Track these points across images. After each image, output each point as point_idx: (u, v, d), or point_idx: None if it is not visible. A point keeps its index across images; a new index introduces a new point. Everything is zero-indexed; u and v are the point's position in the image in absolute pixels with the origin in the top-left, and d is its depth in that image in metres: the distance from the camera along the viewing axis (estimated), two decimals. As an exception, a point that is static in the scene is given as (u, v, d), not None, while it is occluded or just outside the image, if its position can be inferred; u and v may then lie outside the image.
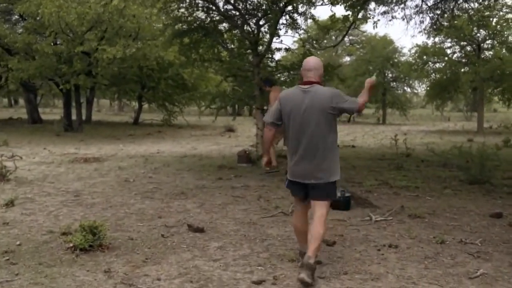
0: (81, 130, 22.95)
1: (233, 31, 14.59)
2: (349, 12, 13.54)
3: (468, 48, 34.19)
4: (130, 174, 10.74)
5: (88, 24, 19.25)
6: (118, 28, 20.11)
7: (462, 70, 33.83)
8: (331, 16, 14.04)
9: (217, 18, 14.21)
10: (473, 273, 4.84)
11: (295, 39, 23.91)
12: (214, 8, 13.83)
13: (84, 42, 19.33)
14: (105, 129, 26.08)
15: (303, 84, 4.79)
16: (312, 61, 4.87)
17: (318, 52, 21.55)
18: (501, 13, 30.51)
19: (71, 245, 5.32)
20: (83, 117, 26.94)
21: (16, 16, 26.15)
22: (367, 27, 55.35)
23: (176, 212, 7.25)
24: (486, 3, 17.69)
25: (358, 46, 49.27)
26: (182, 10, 13.87)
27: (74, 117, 24.03)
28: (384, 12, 15.31)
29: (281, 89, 11.39)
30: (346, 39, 47.31)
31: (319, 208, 4.78)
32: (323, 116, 4.66)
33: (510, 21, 30.77)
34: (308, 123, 4.68)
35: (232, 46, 15.00)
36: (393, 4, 14.94)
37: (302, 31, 15.75)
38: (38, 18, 19.12)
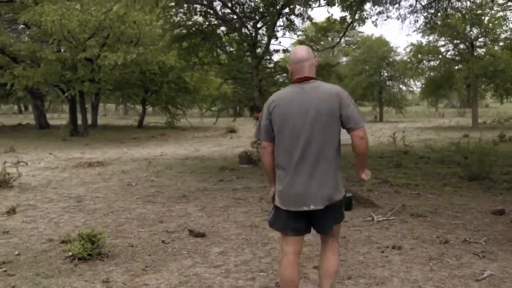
0: (86, 135, 22.72)
1: (231, 34, 14.42)
2: (346, 14, 13.31)
3: (462, 46, 34.02)
4: (132, 178, 10.47)
5: (90, 31, 19.09)
6: (119, 34, 19.93)
7: (456, 67, 33.74)
8: (328, 18, 13.81)
9: (215, 22, 14.03)
10: (479, 275, 4.56)
11: (293, 40, 23.72)
12: (212, 12, 13.64)
13: (87, 49, 19.09)
14: (110, 133, 25.83)
15: (297, 82, 3.58)
16: (303, 50, 3.64)
17: (316, 53, 21.29)
18: (492, 11, 30.37)
19: (70, 254, 5.05)
20: (89, 122, 26.80)
21: (22, 25, 25.95)
22: (364, 28, 55.23)
23: (177, 216, 6.96)
24: (478, 1, 17.46)
25: (354, 47, 49.03)
26: (181, 15, 13.66)
27: (80, 122, 23.80)
28: (380, 12, 15.09)
29: None
30: (342, 40, 47.23)
31: (334, 239, 3.71)
32: (331, 119, 3.49)
33: (501, 19, 30.71)
34: (312, 130, 3.45)
35: (231, 49, 14.84)
36: (388, 4, 14.69)
37: (300, 32, 15.53)
38: (41, 27, 18.88)
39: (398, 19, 15.76)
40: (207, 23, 13.94)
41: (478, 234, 5.85)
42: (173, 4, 12.09)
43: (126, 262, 5.01)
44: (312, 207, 3.41)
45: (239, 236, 5.90)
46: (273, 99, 3.63)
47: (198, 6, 13.46)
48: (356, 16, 13.88)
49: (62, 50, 21.06)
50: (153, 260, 5.09)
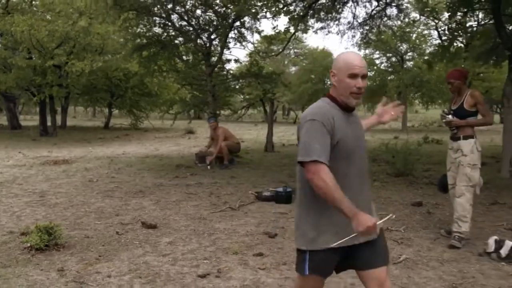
0: (55, 135, 22.04)
1: (188, 45, 14.25)
2: (290, 25, 13.40)
3: (393, 59, 34.92)
4: (94, 174, 10.16)
5: (57, 41, 18.62)
6: (85, 44, 19.43)
7: (389, 77, 34.65)
8: (273, 28, 13.88)
9: (173, 33, 13.84)
10: (396, 259, 4.63)
11: (247, 50, 23.80)
12: (169, 24, 13.47)
13: (55, 57, 18.55)
14: (78, 133, 25.14)
15: None
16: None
17: (266, 62, 21.35)
18: (419, 29, 31.31)
19: (28, 245, 4.86)
20: (59, 123, 26.06)
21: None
22: (310, 41, 55.65)
23: (133, 209, 6.79)
24: (406, 21, 17.86)
25: (302, 58, 49.43)
26: (141, 26, 13.42)
27: (50, 123, 23.10)
28: (322, 28, 15.22)
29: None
30: (291, 51, 47.56)
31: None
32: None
33: (426, 36, 31.77)
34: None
35: (187, 57, 14.67)
36: (329, 21, 14.83)
37: (250, 44, 15.57)
38: (12, 35, 18.28)
39: (338, 34, 15.95)
40: (165, 34, 13.74)
41: (399, 223, 5.94)
42: (133, 16, 11.85)
43: (81, 252, 4.85)
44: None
45: (188, 227, 5.80)
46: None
47: (157, 18, 13.27)
48: (299, 27, 13.96)
49: (32, 57, 20.41)
50: (106, 250, 4.94)
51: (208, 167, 11.04)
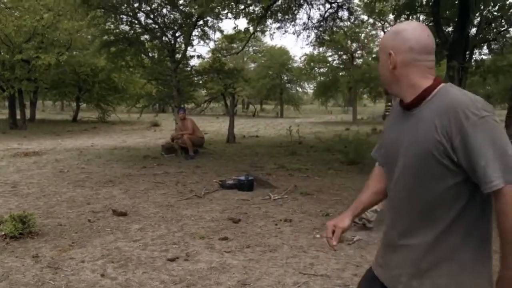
0: (25, 128, 21.30)
1: (154, 42, 14.06)
2: (250, 25, 13.40)
3: (344, 56, 35.43)
4: (65, 165, 9.90)
5: (25, 36, 17.94)
6: (52, 40, 18.81)
7: (340, 74, 35.17)
8: (234, 28, 13.89)
9: (139, 30, 13.62)
10: (351, 240, 4.73)
11: (209, 47, 23.69)
12: (136, 22, 13.24)
13: (23, 51, 17.89)
14: (47, 126, 24.37)
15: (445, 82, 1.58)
16: (431, 34, 1.60)
17: (226, 58, 21.26)
18: (367, 30, 31.90)
19: (2, 233, 4.71)
20: (28, 116, 25.25)
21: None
22: (266, 40, 55.76)
23: (103, 198, 6.67)
24: (356, 22, 18.15)
25: (260, 55, 49.45)
26: (109, 23, 13.13)
27: (19, 116, 22.31)
28: (279, 27, 15.30)
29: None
30: (251, 49, 47.50)
31: None
32: None
33: (374, 36, 32.47)
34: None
35: (153, 54, 14.47)
36: (286, 21, 14.91)
37: (212, 41, 15.51)
38: (-20, 30, 17.53)
39: (294, 33, 16.10)
40: (132, 31, 13.51)
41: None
42: (101, 14, 11.59)
43: (54, 239, 4.74)
44: None
45: (157, 214, 5.75)
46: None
47: (124, 16, 13.02)
48: (258, 28, 13.99)
49: (0, 52, 19.63)
50: (79, 236, 4.85)
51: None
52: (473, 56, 11.99)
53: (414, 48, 1.56)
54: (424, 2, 12.24)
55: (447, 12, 11.68)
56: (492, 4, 10.83)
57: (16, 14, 18.30)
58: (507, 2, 10.50)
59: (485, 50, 13.49)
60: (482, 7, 11.08)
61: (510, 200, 1.38)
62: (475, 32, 11.17)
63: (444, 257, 1.53)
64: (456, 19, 10.21)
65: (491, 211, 1.52)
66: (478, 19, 11.42)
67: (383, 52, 1.64)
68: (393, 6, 13.15)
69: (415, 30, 1.57)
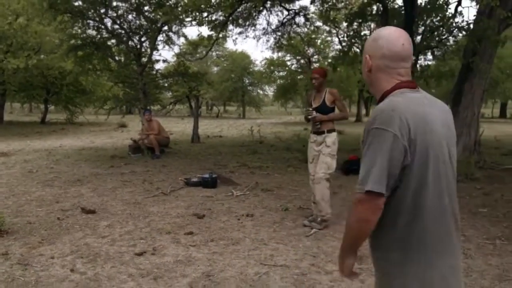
0: (-8, 129, 20.57)
1: (120, 46, 13.85)
2: (213, 32, 13.38)
3: (302, 61, 35.82)
4: (34, 166, 9.61)
5: (-6, 39, 17.31)
6: (22, 43, 18.21)
7: (299, 77, 35.50)
8: (198, 35, 13.84)
9: (106, 35, 13.38)
10: (308, 232, 4.84)
11: (174, 52, 23.48)
12: (103, 27, 13.00)
13: (-9, 55, 17.29)
14: (15, 128, 23.53)
15: (408, 87, 1.62)
16: (407, 40, 1.63)
17: (191, 62, 21.15)
18: (323, 36, 32.38)
19: (-28, 233, 4.58)
20: (-4, 118, 24.34)
21: None
22: (229, 45, 55.69)
23: (72, 197, 6.54)
24: (312, 28, 18.41)
25: (223, 59, 49.35)
26: (76, 28, 12.84)
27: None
28: (240, 32, 15.37)
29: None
30: (214, 53, 47.33)
31: None
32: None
33: (329, 42, 32.99)
34: (451, 171, 1.60)
35: (120, 58, 14.24)
36: (246, 26, 14.99)
37: (176, 46, 15.43)
38: None
39: (254, 38, 16.22)
40: (99, 36, 13.26)
41: (309, 202, 6.16)
42: (68, 19, 11.31)
43: (24, 237, 4.64)
44: None
45: (124, 211, 5.70)
46: (406, 115, 1.49)
47: (91, 21, 12.75)
48: (220, 35, 14.00)
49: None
50: (49, 234, 4.76)
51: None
52: (418, 61, 12.34)
53: (386, 56, 1.62)
54: (374, 12, 12.54)
55: (395, 20, 12.01)
56: (433, 15, 11.22)
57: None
58: (447, 14, 10.91)
59: (429, 56, 13.94)
60: (425, 17, 11.46)
61: (354, 202, 1.51)
62: (420, 39, 11.54)
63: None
64: (403, 27, 10.53)
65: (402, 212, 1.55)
66: (423, 28, 11.80)
67: (364, 55, 1.71)
68: (346, 15, 13.41)
69: (389, 38, 1.62)
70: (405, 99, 1.55)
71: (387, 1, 11.43)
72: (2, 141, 15.71)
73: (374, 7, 12.48)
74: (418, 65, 12.06)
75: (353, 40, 12.78)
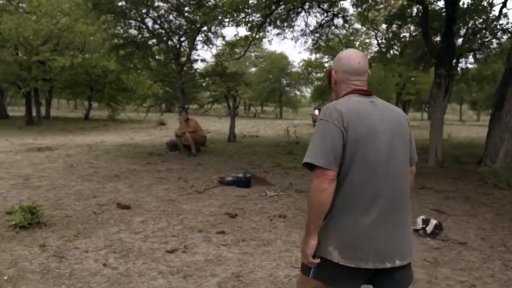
0: (40, 125, 21.26)
1: (160, 46, 14.04)
2: (249, 33, 13.34)
3: (340, 62, 35.30)
4: (75, 160, 9.84)
5: (42, 39, 17.85)
6: (68, 42, 18.76)
7: (336, 79, 34.99)
8: (235, 35, 13.86)
9: (147, 35, 13.57)
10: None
11: (211, 52, 23.71)
12: (144, 27, 13.21)
13: (40, 53, 17.83)
14: (60, 123, 24.30)
15: (360, 93, 2.07)
16: (363, 59, 2.11)
17: (229, 62, 21.23)
18: (361, 38, 31.87)
19: (13, 223, 4.68)
20: (43, 114, 25.24)
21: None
22: (266, 45, 55.67)
23: (109, 192, 6.62)
24: (350, 30, 18.10)
25: (261, 60, 49.40)
26: (118, 28, 13.09)
27: (35, 113, 22.28)
28: (278, 34, 15.24)
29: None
30: (252, 54, 47.45)
31: None
32: (406, 146, 2.08)
33: (367, 44, 32.43)
34: (393, 158, 1.99)
35: (159, 57, 14.44)
36: (285, 28, 14.85)
37: (215, 46, 15.55)
38: (1, 33, 17.45)
39: (292, 39, 16.06)
40: (140, 35, 13.49)
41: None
42: (111, 19, 11.54)
43: (61, 230, 4.70)
44: (389, 265, 1.95)
45: (158, 208, 5.71)
46: (346, 107, 1.97)
47: (133, 21, 12.97)
48: (257, 36, 13.93)
49: (19, 54, 19.58)
50: (84, 228, 4.81)
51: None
52: (459, 64, 11.89)
53: (346, 71, 2.10)
54: (413, 13, 12.17)
55: (435, 22, 11.62)
56: (476, 17, 10.77)
57: (33, 18, 18.24)
58: (490, 15, 10.44)
59: (470, 59, 13.43)
60: (467, 19, 11.02)
61: (311, 178, 1.96)
62: (461, 42, 11.10)
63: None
64: (444, 29, 10.15)
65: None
66: (464, 30, 11.35)
67: (331, 71, 2.19)
68: (385, 17, 13.07)
69: (349, 58, 2.11)
70: (347, 100, 2.01)
71: (427, 2, 11.03)
72: (48, 135, 16.23)
73: (414, 9, 12.09)
74: (458, 68, 11.61)
75: (391, 42, 12.44)
